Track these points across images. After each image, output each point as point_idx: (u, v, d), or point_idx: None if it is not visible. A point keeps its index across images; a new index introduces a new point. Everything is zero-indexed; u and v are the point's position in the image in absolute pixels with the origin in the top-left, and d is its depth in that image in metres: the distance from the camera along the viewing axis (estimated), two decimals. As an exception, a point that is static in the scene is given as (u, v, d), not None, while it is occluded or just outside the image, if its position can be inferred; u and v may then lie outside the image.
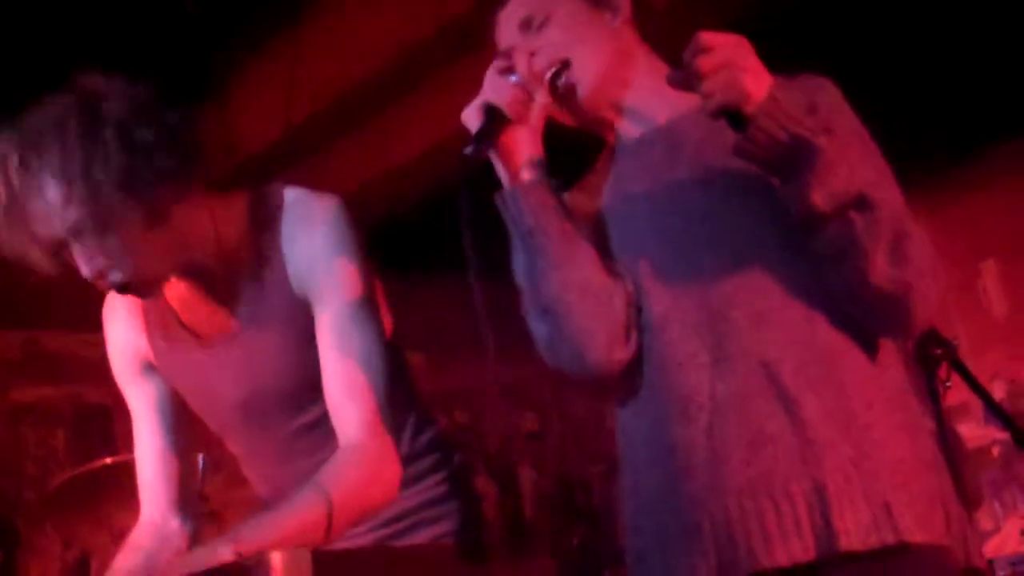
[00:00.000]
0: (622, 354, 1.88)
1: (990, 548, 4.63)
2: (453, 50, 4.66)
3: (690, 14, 3.97)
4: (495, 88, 1.83)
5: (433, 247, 5.69)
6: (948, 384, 2.33)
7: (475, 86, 4.77)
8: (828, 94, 1.88)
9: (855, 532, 1.70)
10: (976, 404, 4.08)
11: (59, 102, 1.90)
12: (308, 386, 2.04)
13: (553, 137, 1.96)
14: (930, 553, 1.73)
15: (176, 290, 2.12)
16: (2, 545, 5.54)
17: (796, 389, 1.76)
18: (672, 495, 1.82)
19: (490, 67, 1.88)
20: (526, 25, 1.94)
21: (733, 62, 1.67)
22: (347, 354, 1.96)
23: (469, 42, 4.77)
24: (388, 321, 2.10)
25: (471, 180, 1.80)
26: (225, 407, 2.13)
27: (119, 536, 3.35)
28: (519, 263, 1.88)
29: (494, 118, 1.81)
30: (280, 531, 1.69)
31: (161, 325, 2.15)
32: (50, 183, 1.84)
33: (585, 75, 1.93)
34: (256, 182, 2.17)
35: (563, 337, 1.86)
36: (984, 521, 6.24)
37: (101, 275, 1.91)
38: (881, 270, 1.71)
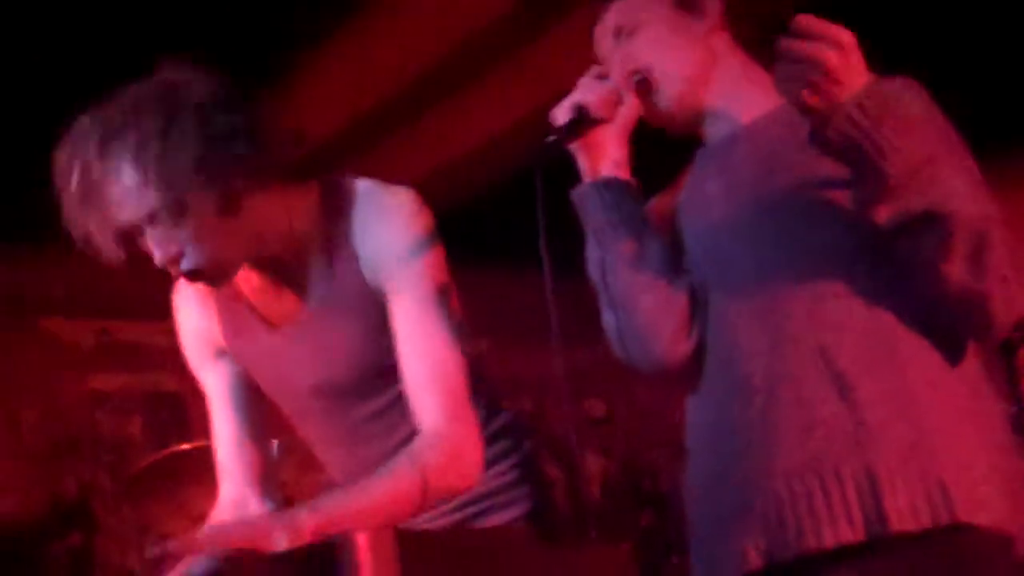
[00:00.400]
0: (685, 347, 1.93)
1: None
2: (519, 38, 4.67)
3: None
4: (587, 88, 1.89)
5: (500, 234, 5.73)
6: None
7: (541, 73, 4.76)
8: (915, 94, 1.83)
9: (907, 512, 1.69)
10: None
11: (138, 89, 1.93)
12: (378, 372, 2.08)
13: (651, 142, 2.02)
14: (989, 538, 1.71)
15: (247, 278, 2.15)
16: (81, 530, 5.65)
17: (852, 372, 1.76)
18: (728, 476, 1.84)
19: (587, 72, 1.94)
20: (617, 33, 2.00)
21: (818, 59, 1.62)
22: (424, 343, 1.99)
23: (535, 30, 4.80)
24: (457, 308, 2.12)
25: (545, 166, 1.81)
26: (297, 392, 2.16)
27: (196, 521, 3.42)
28: (592, 259, 1.94)
29: (582, 116, 1.85)
30: (369, 501, 1.73)
31: (232, 312, 2.18)
32: (127, 168, 1.86)
33: (666, 80, 1.97)
34: (324, 171, 2.20)
35: (630, 332, 1.93)
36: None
37: (174, 261, 1.93)
38: (956, 280, 1.70)
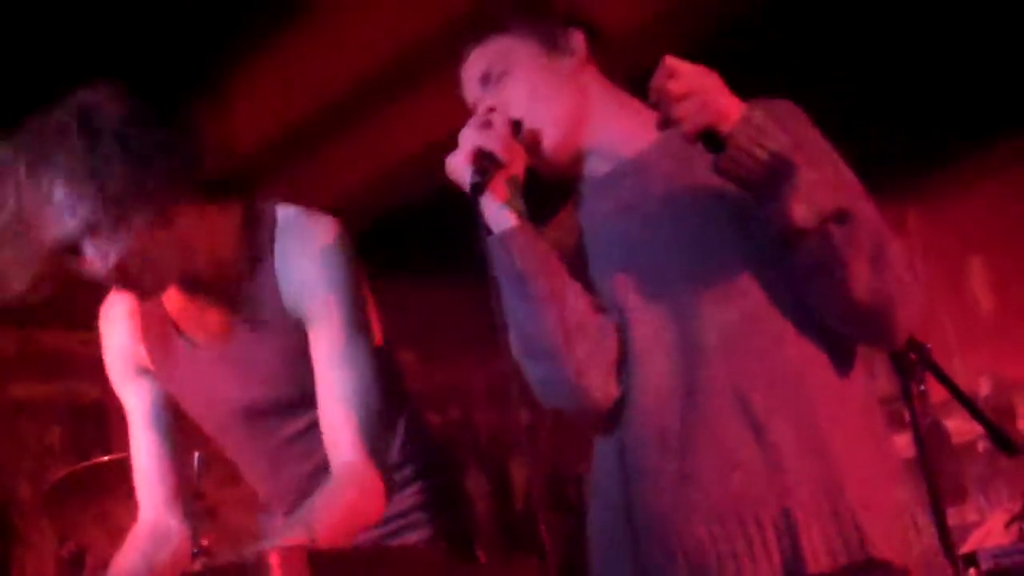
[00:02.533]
0: (615, 390, 1.90)
1: (975, 540, 4.69)
2: (451, 50, 4.68)
3: (650, 42, 4.00)
4: (483, 136, 1.85)
5: (425, 246, 5.76)
6: (923, 388, 2.37)
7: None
8: (794, 117, 1.91)
9: (823, 553, 1.74)
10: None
11: (55, 115, 1.94)
12: (300, 395, 2.10)
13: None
14: (894, 573, 1.77)
15: (171, 297, 2.16)
16: (-2, 540, 5.59)
17: (765, 414, 1.80)
18: (645, 519, 1.85)
19: (469, 121, 1.89)
20: (485, 80, 1.97)
21: (705, 85, 1.71)
22: (341, 377, 2.02)
23: (467, 42, 4.81)
24: (377, 325, 2.14)
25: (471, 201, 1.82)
26: (220, 412, 2.17)
27: (114, 532, 3.40)
28: (512, 307, 1.88)
29: (491, 161, 1.83)
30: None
31: (156, 332, 2.19)
32: (59, 186, 1.88)
33: (544, 129, 1.94)
34: (252, 184, 2.20)
35: (560, 378, 1.88)
36: (970, 514, 6.30)
37: (115, 271, 1.94)
38: (862, 282, 1.75)
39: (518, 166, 1.90)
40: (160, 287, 2.03)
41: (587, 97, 1.98)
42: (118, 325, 2.24)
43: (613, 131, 1.96)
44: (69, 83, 2.01)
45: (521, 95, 1.95)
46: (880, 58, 5.06)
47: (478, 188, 1.81)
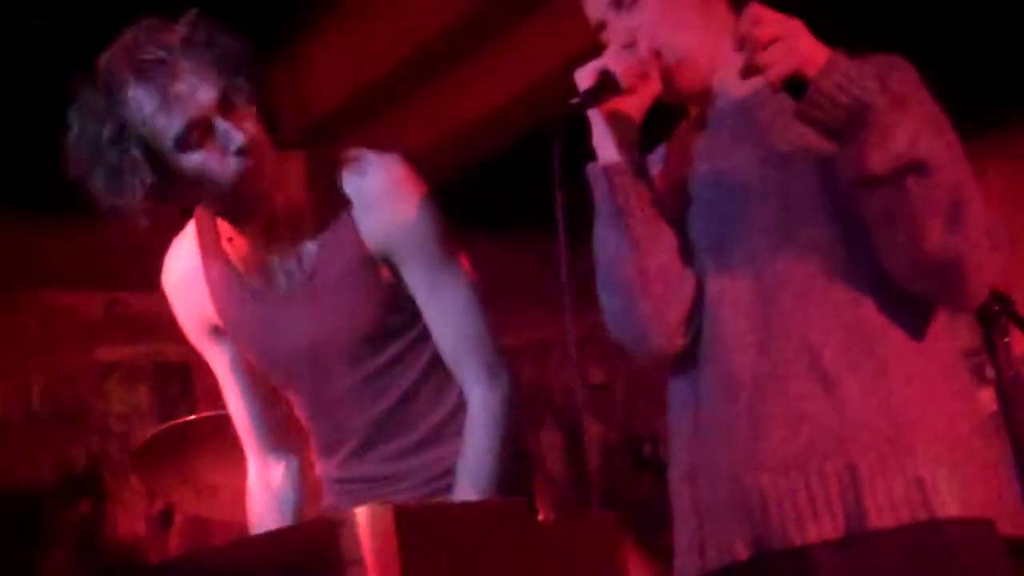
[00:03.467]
0: (682, 339, 1.93)
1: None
2: (521, 7, 4.69)
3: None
4: (616, 57, 1.86)
5: (496, 204, 5.76)
6: (1007, 341, 2.35)
7: (542, 44, 4.77)
8: (900, 70, 1.88)
9: (886, 509, 1.75)
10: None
11: (161, 21, 2.00)
12: (369, 340, 2.14)
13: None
14: (966, 527, 1.77)
15: (237, 246, 2.19)
16: (90, 497, 5.72)
17: (836, 370, 1.81)
18: (713, 467, 1.88)
19: (610, 38, 1.92)
20: (618, 2, 1.94)
21: (791, 31, 1.70)
22: (450, 307, 2.11)
23: (535, 1, 4.81)
24: (468, 262, 2.19)
25: (565, 128, 1.81)
26: (290, 358, 2.21)
27: (202, 489, 3.49)
28: (603, 238, 1.92)
29: (608, 82, 1.84)
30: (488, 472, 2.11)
31: (225, 284, 2.23)
32: (185, 63, 1.95)
33: (683, 63, 1.94)
34: (324, 143, 2.24)
35: (632, 318, 1.92)
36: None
37: (250, 143, 1.99)
38: (935, 237, 1.72)
39: (646, 95, 1.90)
40: (266, 184, 2.05)
41: (719, 32, 1.95)
42: (182, 290, 2.28)
43: (729, 68, 1.90)
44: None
45: (660, 20, 1.93)
46: (959, 9, 4.97)
47: (585, 103, 1.84)
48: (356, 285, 2.12)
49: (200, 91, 1.94)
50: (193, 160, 1.97)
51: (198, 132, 1.96)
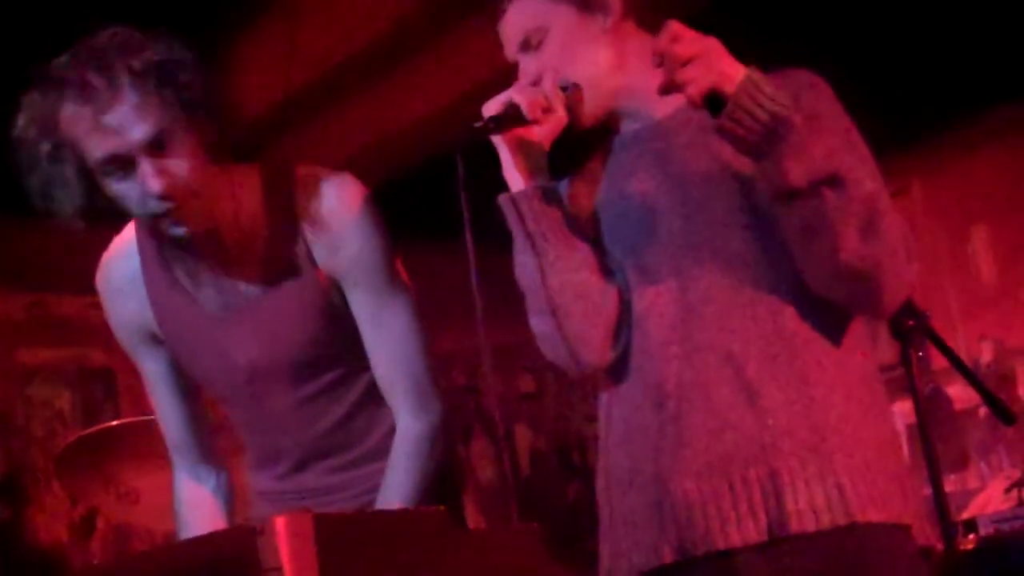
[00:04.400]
0: (611, 353, 1.97)
1: (975, 506, 4.72)
2: (449, 19, 4.70)
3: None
4: (521, 91, 1.90)
5: (428, 212, 5.76)
6: (921, 355, 2.39)
7: (471, 56, 4.78)
8: (816, 90, 1.93)
9: (807, 513, 1.79)
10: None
11: (112, 35, 1.95)
12: (315, 361, 2.13)
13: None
14: (884, 531, 1.82)
15: (185, 258, 2.16)
16: (11, 503, 5.64)
17: (759, 380, 1.85)
18: (640, 475, 1.92)
19: (519, 78, 1.96)
20: (526, 45, 1.98)
21: (709, 48, 1.74)
22: (388, 336, 2.11)
23: (465, 11, 4.83)
24: (411, 288, 2.20)
25: (467, 148, 1.88)
26: (231, 373, 2.19)
27: (124, 495, 3.45)
28: (521, 263, 1.97)
29: (512, 113, 1.88)
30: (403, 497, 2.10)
31: (166, 294, 2.19)
32: (128, 93, 1.89)
33: (589, 90, 1.97)
34: (256, 148, 2.23)
35: (561, 337, 1.96)
36: (971, 480, 6.35)
37: (166, 192, 1.92)
38: (851, 247, 1.77)
39: (551, 126, 1.94)
40: (194, 227, 2.00)
41: (624, 54, 2.00)
42: (121, 294, 2.23)
43: (647, 91, 1.92)
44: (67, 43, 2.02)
45: (562, 56, 1.97)
46: (882, 25, 5.05)
47: (488, 129, 1.88)
48: (302, 305, 2.12)
49: (134, 127, 1.89)
50: (115, 188, 1.95)
51: (119, 166, 1.92)
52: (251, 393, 2.19)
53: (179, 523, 2.31)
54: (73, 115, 1.90)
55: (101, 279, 2.25)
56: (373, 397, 2.18)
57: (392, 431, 2.16)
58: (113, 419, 3.61)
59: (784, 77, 1.89)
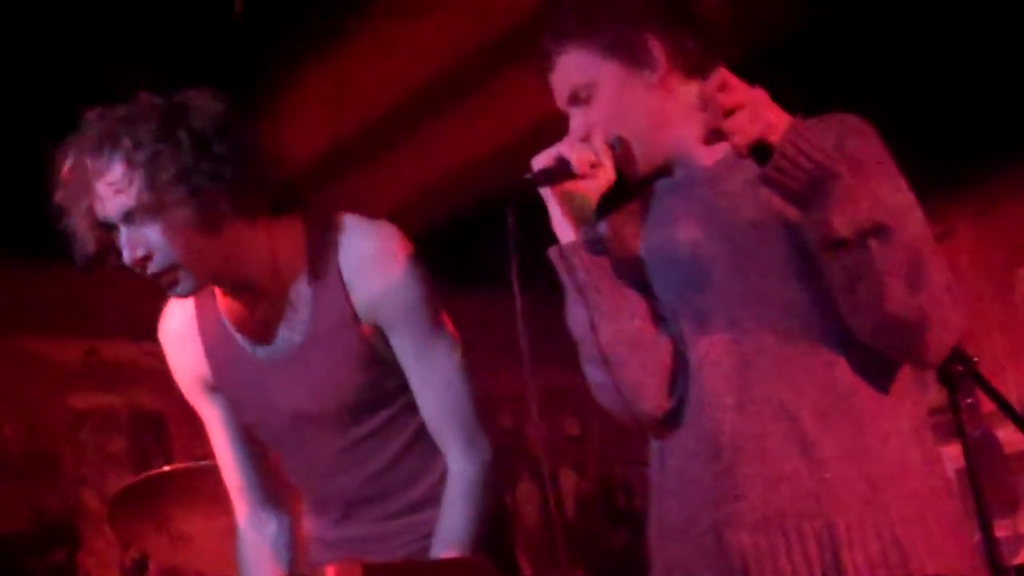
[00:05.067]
0: (668, 402, 1.99)
1: (1028, 552, 4.65)
2: (498, 63, 4.74)
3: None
4: (571, 146, 1.94)
5: (478, 256, 5.79)
6: (970, 401, 2.39)
7: (520, 101, 4.82)
8: (861, 134, 1.94)
9: (863, 567, 1.80)
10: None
11: (148, 99, 2.03)
12: (360, 406, 2.16)
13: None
14: None
15: (230, 307, 2.21)
16: (63, 547, 5.68)
17: (814, 432, 1.86)
18: (694, 526, 1.92)
19: (571, 133, 2.00)
20: (574, 99, 2.02)
21: (755, 98, 1.76)
22: (435, 377, 2.14)
23: (514, 55, 4.86)
24: (454, 331, 2.22)
25: (516, 198, 1.91)
26: (280, 420, 2.23)
27: (176, 539, 3.48)
28: (573, 315, 1.99)
29: (561, 167, 1.92)
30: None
31: (216, 342, 2.24)
32: (116, 165, 1.99)
33: (636, 147, 2.00)
34: (305, 194, 2.26)
35: (615, 388, 1.97)
36: (1022, 525, 6.25)
37: (139, 262, 2.03)
38: (896, 297, 1.78)
39: (599, 181, 1.96)
40: (187, 287, 2.08)
41: (670, 107, 2.02)
42: (177, 343, 2.30)
43: (693, 138, 1.95)
44: (116, 91, 2.09)
45: (607, 115, 2.00)
46: (927, 68, 5.05)
47: (538, 181, 1.92)
48: (346, 352, 2.15)
49: (114, 199, 1.99)
50: (115, 244, 2.04)
51: (110, 227, 2.04)
52: (297, 440, 2.23)
53: (240, 568, 2.34)
54: (77, 177, 2.00)
55: (161, 328, 2.33)
56: (420, 443, 2.20)
57: (441, 480, 2.18)
58: (165, 464, 3.65)
59: (829, 121, 1.91)
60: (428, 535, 2.15)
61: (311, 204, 2.26)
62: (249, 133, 2.08)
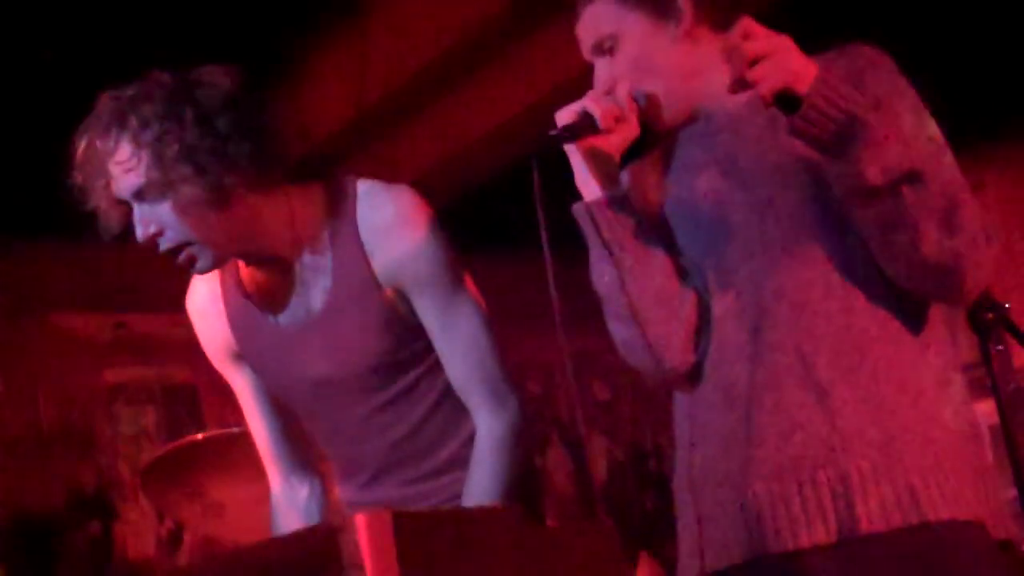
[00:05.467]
0: (692, 356, 1.98)
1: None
2: (518, 29, 4.73)
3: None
4: (595, 100, 1.92)
5: (504, 221, 5.79)
6: (1000, 348, 2.37)
7: (541, 66, 4.79)
8: (879, 67, 1.91)
9: (877, 514, 1.79)
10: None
11: (157, 77, 2.06)
12: (383, 369, 2.18)
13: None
14: (958, 529, 1.81)
15: (252, 276, 2.24)
16: (99, 519, 5.75)
17: (829, 379, 1.85)
18: (712, 475, 1.93)
19: (595, 85, 1.98)
20: (599, 49, 2.00)
21: (779, 46, 1.74)
22: (460, 335, 2.16)
23: (534, 21, 4.86)
24: (476, 290, 2.24)
25: (543, 157, 1.89)
26: (305, 386, 2.24)
27: (209, 507, 3.52)
28: (598, 271, 1.98)
29: (586, 122, 1.90)
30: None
31: (240, 311, 2.27)
32: (124, 145, 2.02)
33: (659, 106, 1.98)
34: (328, 165, 2.28)
35: (641, 343, 1.96)
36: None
37: (151, 239, 2.06)
38: (932, 241, 1.76)
39: (623, 135, 1.95)
40: (205, 267, 2.12)
41: (696, 60, 2.00)
42: (203, 315, 2.33)
43: (719, 88, 1.91)
44: (139, 65, 2.12)
45: (631, 68, 1.98)
46: (954, 16, 5.01)
47: (563, 136, 1.90)
48: (368, 316, 2.16)
49: (126, 177, 2.03)
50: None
51: (127, 206, 2.07)
52: (324, 405, 2.24)
53: (274, 532, 2.37)
54: (88, 157, 2.04)
55: (189, 300, 2.36)
56: (445, 406, 2.21)
57: (468, 442, 2.19)
58: (197, 434, 3.67)
59: (845, 54, 1.89)
60: (456, 496, 2.16)
61: (331, 173, 2.27)
62: (259, 108, 2.10)
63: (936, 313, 1.93)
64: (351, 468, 2.31)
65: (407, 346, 2.18)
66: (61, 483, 5.72)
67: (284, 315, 2.23)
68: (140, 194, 2.03)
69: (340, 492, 2.36)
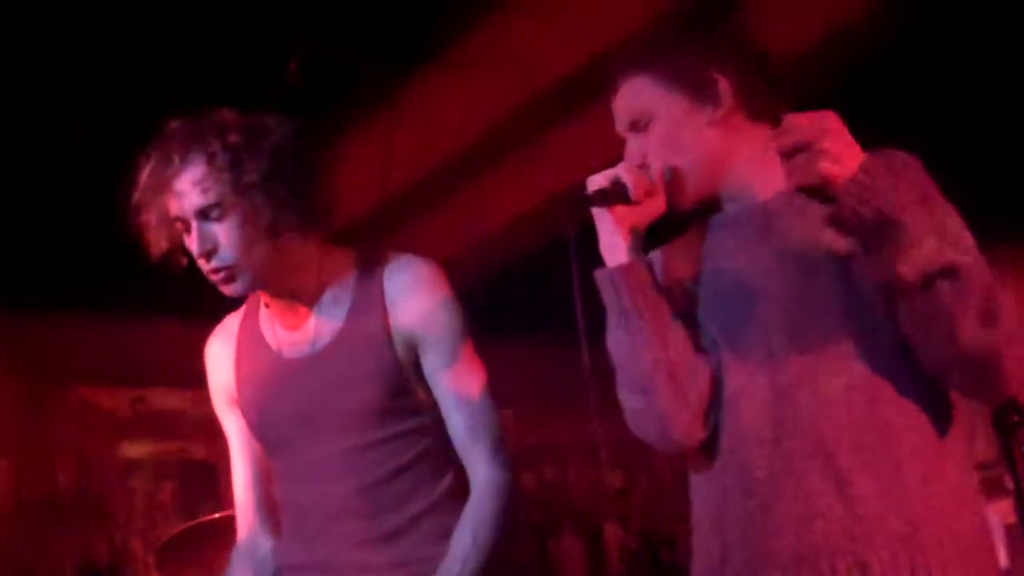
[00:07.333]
0: (702, 432, 1.97)
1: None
2: (539, 123, 4.81)
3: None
4: (628, 170, 1.94)
5: (521, 309, 5.84)
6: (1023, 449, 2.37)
7: (561, 157, 4.85)
8: (910, 169, 1.91)
9: None
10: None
11: (228, 113, 2.19)
12: (371, 414, 2.24)
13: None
14: None
15: (274, 308, 2.32)
16: (113, 593, 5.75)
17: (850, 469, 1.84)
18: (730, 562, 1.92)
19: (626, 159, 1.99)
20: (634, 125, 2.03)
21: (812, 143, 1.74)
22: (466, 391, 2.24)
23: (555, 116, 4.92)
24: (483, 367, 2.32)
25: (577, 222, 1.92)
26: (283, 418, 2.29)
27: (224, 586, 3.52)
28: (615, 339, 1.98)
29: (616, 189, 1.92)
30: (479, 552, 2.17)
31: (248, 344, 2.35)
32: (199, 165, 2.13)
33: (689, 180, 1.99)
34: (357, 244, 2.38)
35: (651, 414, 1.97)
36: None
37: (204, 255, 2.15)
38: (970, 335, 1.76)
39: (651, 210, 1.98)
40: (237, 290, 2.20)
41: (730, 144, 2.02)
42: (215, 357, 2.40)
43: (751, 175, 1.97)
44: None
45: (665, 147, 2.00)
46: (998, 100, 5.06)
47: (595, 200, 1.92)
48: (369, 364, 2.23)
49: (191, 195, 2.13)
50: (187, 242, 2.17)
51: (183, 225, 2.16)
52: (302, 438, 2.28)
53: None
54: (155, 173, 2.14)
55: (207, 349, 2.42)
56: (422, 467, 2.25)
57: (431, 508, 2.24)
58: (214, 512, 3.68)
59: (880, 157, 1.90)
60: (408, 562, 2.20)
61: (363, 247, 2.37)
62: (317, 159, 2.23)
63: (958, 410, 1.94)
64: (301, 517, 2.33)
65: (397, 401, 2.24)
66: (74, 554, 5.72)
67: (289, 348, 2.30)
68: (206, 212, 2.15)
69: (278, 557, 2.37)
